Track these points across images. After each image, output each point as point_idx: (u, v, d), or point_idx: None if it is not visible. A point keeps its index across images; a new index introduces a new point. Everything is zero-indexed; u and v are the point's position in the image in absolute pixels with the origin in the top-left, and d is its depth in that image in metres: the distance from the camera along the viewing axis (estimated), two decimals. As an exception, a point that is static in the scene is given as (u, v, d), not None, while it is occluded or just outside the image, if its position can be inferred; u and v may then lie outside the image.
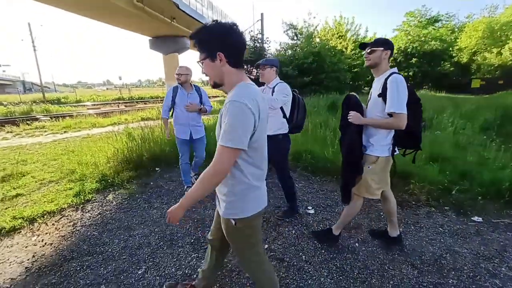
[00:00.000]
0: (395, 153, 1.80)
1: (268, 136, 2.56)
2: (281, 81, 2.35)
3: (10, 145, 6.10)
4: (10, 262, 2.00)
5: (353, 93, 1.94)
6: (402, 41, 26.06)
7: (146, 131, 4.84)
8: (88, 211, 2.80)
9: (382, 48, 1.68)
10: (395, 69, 1.70)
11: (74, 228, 2.46)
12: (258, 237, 1.25)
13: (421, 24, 26.34)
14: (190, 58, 51.11)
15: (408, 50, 25.28)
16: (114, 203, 2.98)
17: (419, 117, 1.73)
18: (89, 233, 2.39)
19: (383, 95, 1.63)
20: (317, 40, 18.65)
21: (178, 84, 2.98)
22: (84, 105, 19.85)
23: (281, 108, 2.29)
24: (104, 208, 2.85)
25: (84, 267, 1.92)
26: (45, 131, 8.02)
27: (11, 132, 7.91)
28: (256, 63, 2.44)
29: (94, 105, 20.25)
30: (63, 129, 8.28)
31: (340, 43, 20.21)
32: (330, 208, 2.75)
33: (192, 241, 2.22)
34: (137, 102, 23.58)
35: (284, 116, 2.34)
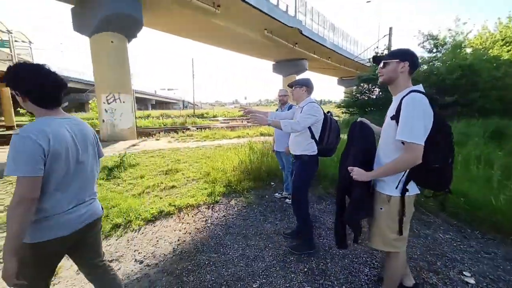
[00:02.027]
0: (409, 193, 1.41)
1: (294, 155, 2.22)
2: (313, 101, 2.25)
3: (172, 147, 8.24)
4: (164, 240, 2.56)
5: (362, 118, 1.66)
6: None
7: (265, 145, 5.24)
8: (216, 211, 3.24)
9: (397, 60, 1.42)
10: (418, 86, 1.39)
11: (205, 224, 2.90)
12: (37, 273, 1.17)
13: None
14: (324, 78, 53.10)
15: None
16: (236, 209, 3.31)
17: (447, 150, 1.35)
18: (216, 231, 2.73)
19: (397, 117, 1.34)
20: (468, 50, 14.70)
21: (281, 105, 3.52)
22: (217, 120, 24.51)
23: (310, 128, 2.19)
24: (228, 212, 3.22)
25: (211, 263, 2.17)
26: (192, 138, 10.36)
27: (173, 137, 10.76)
28: (288, 83, 2.41)
29: (225, 120, 24.55)
30: (203, 138, 10.43)
31: (508, 51, 14.97)
32: (508, 284, 1.87)
33: (306, 269, 2.07)
34: (256, 119, 26.71)
35: (312, 137, 2.21)
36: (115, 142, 9.47)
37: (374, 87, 15.08)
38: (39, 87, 1.13)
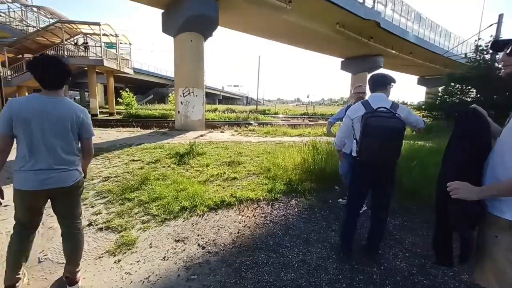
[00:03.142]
0: None
1: None
2: (364, 99, 2.29)
3: (234, 140, 8.59)
4: (225, 230, 2.60)
5: (476, 106, 1.24)
6: None
7: (331, 146, 4.86)
8: (276, 209, 3.14)
9: None
10: None
11: (265, 220, 2.83)
12: (18, 212, 1.58)
13: None
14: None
15: None
16: (296, 209, 3.14)
17: None
18: (275, 230, 2.63)
19: None
20: None
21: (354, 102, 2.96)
22: (278, 117, 24.57)
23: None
24: (288, 211, 3.08)
25: (269, 263, 2.08)
26: (254, 133, 10.60)
27: (236, 131, 11.24)
28: None
29: (286, 117, 24.42)
30: (264, 134, 10.53)
31: None
32: None
33: (379, 294, 1.77)
34: (318, 118, 25.71)
35: (354, 136, 2.17)
36: (186, 132, 10.48)
37: (469, 88, 12.44)
38: (41, 74, 1.50)
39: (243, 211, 3.05)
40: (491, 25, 14.53)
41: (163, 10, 11.82)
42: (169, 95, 22.29)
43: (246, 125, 12.89)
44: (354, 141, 2.18)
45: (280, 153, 5.70)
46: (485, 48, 11.83)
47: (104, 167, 4.65)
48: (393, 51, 20.18)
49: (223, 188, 3.75)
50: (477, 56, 11.83)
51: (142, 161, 5.02)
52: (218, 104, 53.65)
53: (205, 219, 2.80)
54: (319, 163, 4.34)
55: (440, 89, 14.44)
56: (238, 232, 2.55)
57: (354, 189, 2.21)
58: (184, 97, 11.18)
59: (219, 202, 3.18)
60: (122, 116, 18.83)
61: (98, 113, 19.01)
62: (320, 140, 5.87)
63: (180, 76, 11.38)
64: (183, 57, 11.14)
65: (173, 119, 15.11)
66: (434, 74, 29.35)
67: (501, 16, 13.79)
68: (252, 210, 3.07)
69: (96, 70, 18.88)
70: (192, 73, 11.17)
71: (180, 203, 3.06)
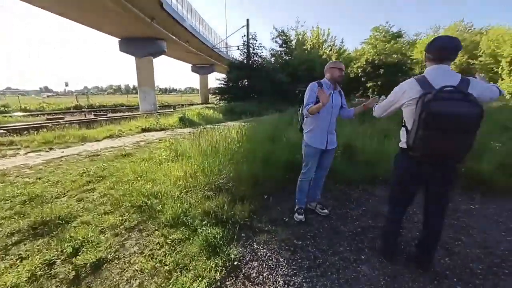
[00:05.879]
0: None
1: None
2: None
3: (-19, 171, 4.17)
4: None
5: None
6: (369, 53, 28.13)
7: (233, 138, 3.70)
8: (260, 282, 1.68)
9: None
10: None
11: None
12: None
13: (386, 39, 28.93)
14: (165, 63, 47.74)
15: (376, 62, 27.39)
16: (286, 266, 1.89)
17: None
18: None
19: None
20: (308, 47, 18.88)
21: (327, 80, 2.38)
22: (37, 114, 16.36)
23: None
24: (279, 270, 1.76)
25: None
26: (19, 148, 5.95)
27: (-34, 151, 5.65)
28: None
29: (55, 113, 16.94)
30: (45, 144, 6.25)
31: (325, 52, 20.79)
32: None
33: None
34: (105, 111, 20.69)
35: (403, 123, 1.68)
36: None
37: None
38: None
39: None
40: (242, 26, 19.03)
41: None
42: None
43: (-12, 136, 6.99)
44: (403, 129, 1.68)
45: (123, 173, 3.56)
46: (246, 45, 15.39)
47: None
48: (174, 37, 20.37)
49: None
50: (245, 50, 15.08)
51: None
52: None
53: None
54: (250, 167, 3.11)
55: (225, 76, 17.11)
56: None
57: (400, 189, 1.77)
58: None
59: None
60: None
61: None
62: (156, 138, 4.35)
63: None
64: None
65: None
66: (203, 63, 34.37)
67: (248, 20, 18.41)
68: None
69: None
70: None
71: None
